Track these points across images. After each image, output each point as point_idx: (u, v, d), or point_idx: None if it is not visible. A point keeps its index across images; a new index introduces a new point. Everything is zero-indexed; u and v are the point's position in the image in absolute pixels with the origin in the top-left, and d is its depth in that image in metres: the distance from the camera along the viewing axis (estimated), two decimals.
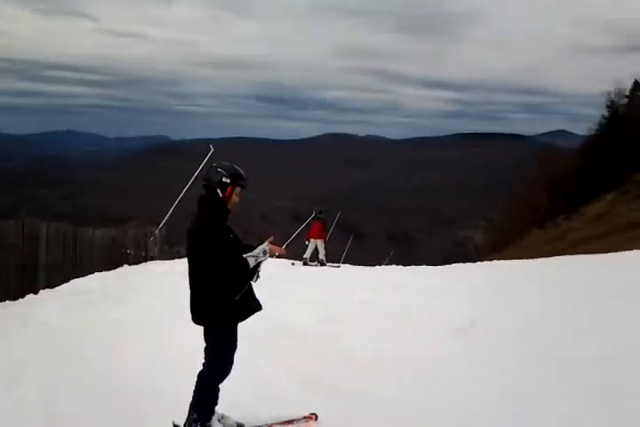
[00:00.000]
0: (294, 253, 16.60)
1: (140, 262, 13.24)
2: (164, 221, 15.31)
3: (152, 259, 14.06)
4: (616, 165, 35.78)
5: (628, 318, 6.51)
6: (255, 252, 3.54)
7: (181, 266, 11.11)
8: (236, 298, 3.44)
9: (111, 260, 13.27)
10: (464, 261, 16.50)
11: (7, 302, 7.73)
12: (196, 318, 3.54)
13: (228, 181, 3.45)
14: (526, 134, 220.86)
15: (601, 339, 5.71)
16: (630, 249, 14.25)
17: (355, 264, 16.15)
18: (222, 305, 3.43)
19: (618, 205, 33.45)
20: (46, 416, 3.94)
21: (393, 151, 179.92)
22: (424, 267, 14.53)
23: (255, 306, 3.60)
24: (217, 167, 3.51)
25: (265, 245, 3.59)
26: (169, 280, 8.84)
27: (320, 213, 15.09)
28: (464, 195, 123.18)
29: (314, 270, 13.16)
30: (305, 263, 14.29)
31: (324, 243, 14.64)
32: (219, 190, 3.45)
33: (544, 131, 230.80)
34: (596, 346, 5.42)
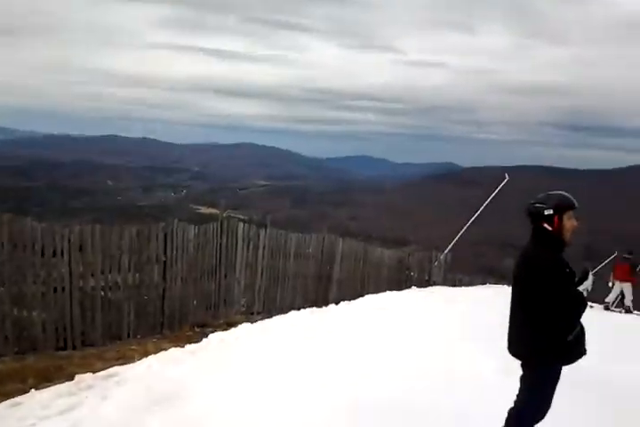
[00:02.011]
0: (591, 295, 14.77)
1: (422, 286, 13.26)
2: (449, 248, 15.19)
3: (434, 284, 13.99)
4: None
5: None
6: (584, 286, 3.21)
7: (466, 294, 10.83)
8: (569, 338, 3.11)
9: (396, 280, 13.63)
10: None
11: (314, 308, 8.36)
12: (516, 353, 3.29)
13: (551, 212, 3.18)
14: None
15: None
16: None
17: None
18: (552, 344, 3.12)
19: None
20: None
21: None
22: None
23: (583, 350, 3.22)
24: (534, 203, 3.27)
25: (592, 277, 3.29)
26: (456, 307, 8.60)
27: (630, 253, 13.25)
28: None
29: (618, 318, 11.41)
30: (607, 308, 12.63)
31: (632, 287, 12.72)
32: (546, 225, 3.19)
33: None
34: None
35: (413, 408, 4.13)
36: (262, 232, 10.07)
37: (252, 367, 5.06)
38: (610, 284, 12.98)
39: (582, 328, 3.21)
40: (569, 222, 3.21)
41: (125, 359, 5.90)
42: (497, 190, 13.56)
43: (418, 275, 14.45)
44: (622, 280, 12.74)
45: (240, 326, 7.00)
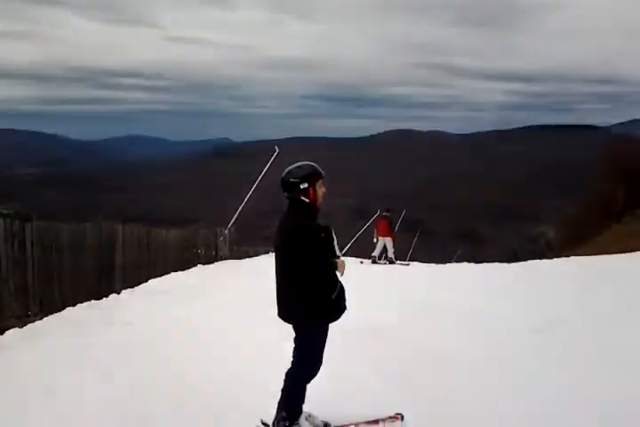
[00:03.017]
0: (361, 251, 16.49)
1: (211, 262, 13.47)
2: (232, 222, 15.54)
3: (222, 259, 14.30)
4: None
5: None
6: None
7: (252, 265, 11.29)
8: (333, 297, 3.41)
9: (183, 260, 13.60)
10: (536, 258, 15.91)
11: (92, 301, 7.98)
12: (286, 317, 3.52)
13: (306, 185, 3.42)
14: (600, 125, 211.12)
15: None
16: None
17: (423, 262, 15.87)
18: (319, 304, 3.40)
19: None
20: (138, 415, 4.00)
21: (458, 146, 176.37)
22: (495, 264, 14.11)
23: (344, 306, 3.57)
24: (288, 178, 3.45)
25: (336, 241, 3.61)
26: (242, 279, 8.96)
27: (387, 211, 14.95)
28: (535, 189, 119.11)
29: (383, 269, 12.99)
30: (374, 262, 14.18)
31: (393, 241, 14.46)
32: (303, 198, 3.43)
33: (619, 121, 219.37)
34: None
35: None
36: (28, 226, 9.26)
37: (19, 381, 4.75)
38: (374, 240, 14.55)
39: (342, 286, 3.52)
40: (320, 191, 3.48)
41: None
42: (269, 164, 14.19)
43: (205, 252, 14.59)
44: (384, 236, 14.40)
45: (7, 332, 6.44)
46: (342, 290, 3.53)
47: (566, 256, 17.02)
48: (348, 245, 18.83)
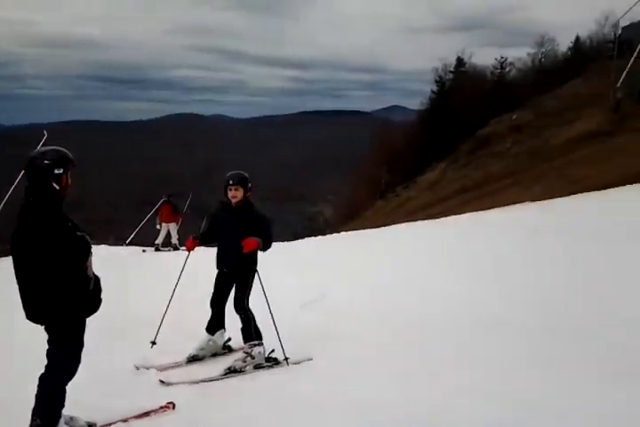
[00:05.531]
0: (146, 240, 15.98)
1: None
2: None
3: None
4: (446, 136, 39.13)
5: (469, 276, 7.29)
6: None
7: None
8: (91, 287, 3.18)
9: None
10: (314, 236, 17.07)
11: None
12: (38, 317, 3.15)
13: (61, 170, 3.06)
14: (365, 110, 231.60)
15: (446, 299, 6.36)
16: (463, 213, 15.86)
17: (209, 246, 15.95)
18: (75, 299, 3.12)
19: (449, 172, 36.67)
20: None
21: (240, 130, 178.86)
22: (276, 244, 14.78)
23: (100, 298, 3.32)
24: (42, 159, 3.04)
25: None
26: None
27: (169, 196, 14.66)
28: (312, 171, 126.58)
29: (166, 256, 12.77)
30: (157, 249, 13.82)
31: (177, 226, 14.26)
32: (54, 184, 3.05)
33: (381, 107, 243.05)
34: (441, 306, 6.05)
35: None
36: None
37: None
38: (157, 226, 14.17)
39: (97, 277, 3.26)
40: (70, 180, 3.16)
41: None
42: (38, 148, 12.98)
43: None
44: (167, 221, 14.11)
45: None
46: (98, 280, 3.29)
47: (337, 232, 18.66)
48: (133, 233, 18.16)
